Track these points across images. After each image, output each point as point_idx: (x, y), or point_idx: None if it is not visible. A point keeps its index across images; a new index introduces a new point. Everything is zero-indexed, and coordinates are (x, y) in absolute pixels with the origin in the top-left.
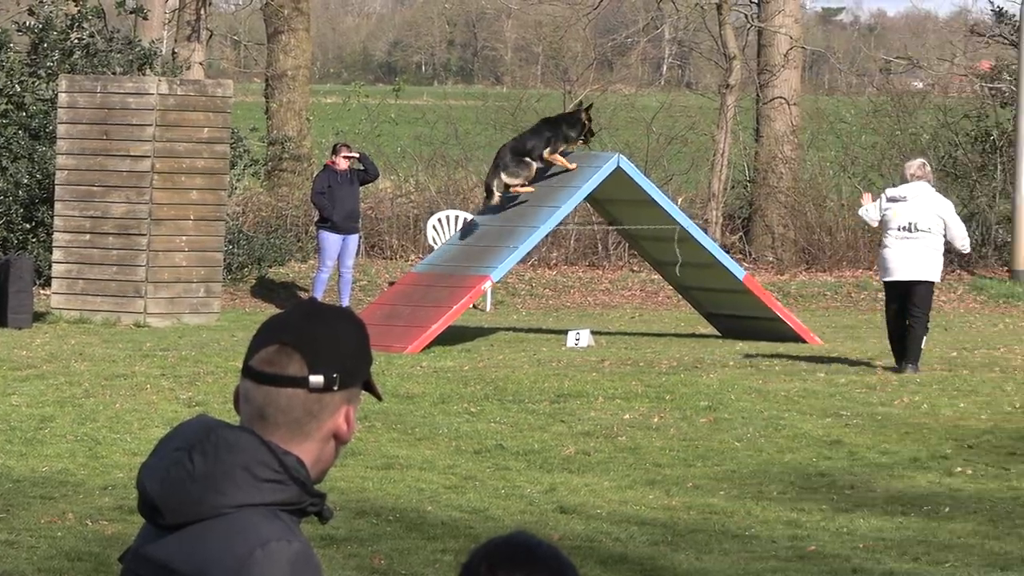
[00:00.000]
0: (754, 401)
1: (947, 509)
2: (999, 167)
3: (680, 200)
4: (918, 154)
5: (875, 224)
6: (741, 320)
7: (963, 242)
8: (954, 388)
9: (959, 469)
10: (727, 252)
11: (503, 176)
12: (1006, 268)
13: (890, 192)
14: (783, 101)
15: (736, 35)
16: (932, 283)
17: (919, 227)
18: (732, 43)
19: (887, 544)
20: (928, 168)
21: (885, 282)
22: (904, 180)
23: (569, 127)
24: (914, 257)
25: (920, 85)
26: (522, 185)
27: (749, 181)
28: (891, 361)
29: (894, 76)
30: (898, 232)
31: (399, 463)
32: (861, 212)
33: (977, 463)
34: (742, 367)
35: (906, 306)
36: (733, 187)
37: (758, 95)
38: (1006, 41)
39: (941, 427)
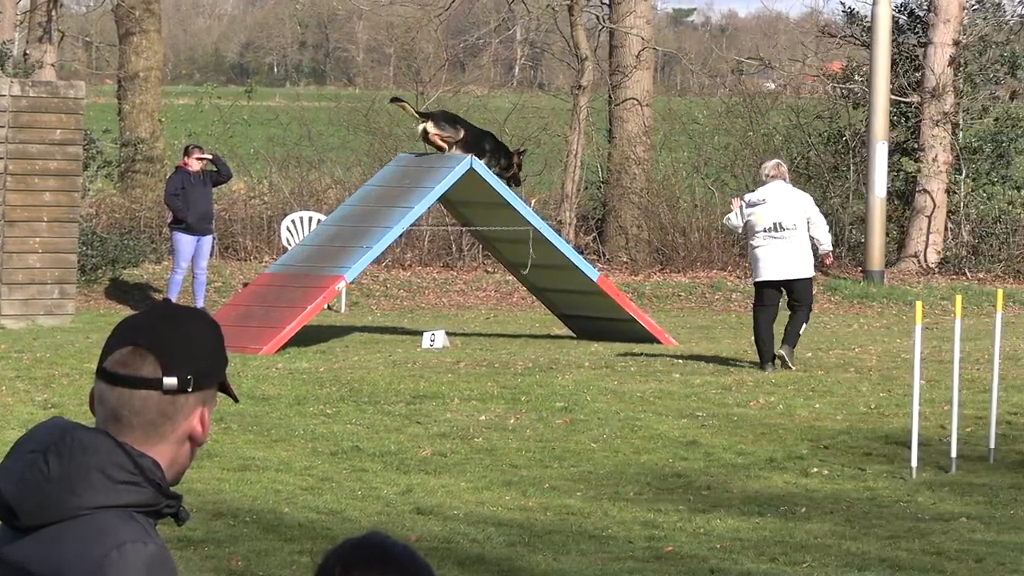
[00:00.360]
0: (610, 402)
1: (804, 509)
2: (852, 168)
3: (533, 201)
4: (771, 155)
5: (740, 231)
6: (596, 321)
7: (825, 239)
8: (809, 389)
9: (815, 469)
10: (581, 253)
11: (430, 124)
12: (860, 269)
13: (749, 197)
14: (635, 102)
15: (588, 36)
16: (809, 279)
17: (784, 226)
18: (584, 44)
19: (744, 544)
20: (783, 167)
21: (758, 282)
22: (760, 182)
23: (503, 153)
24: (786, 256)
25: (772, 86)
26: (442, 139)
27: (602, 182)
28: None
29: (746, 77)
30: (765, 234)
31: (255, 465)
32: (725, 221)
33: (833, 463)
34: (597, 368)
35: (789, 301)
36: (586, 188)
37: (610, 96)
38: (858, 42)
39: (797, 428)
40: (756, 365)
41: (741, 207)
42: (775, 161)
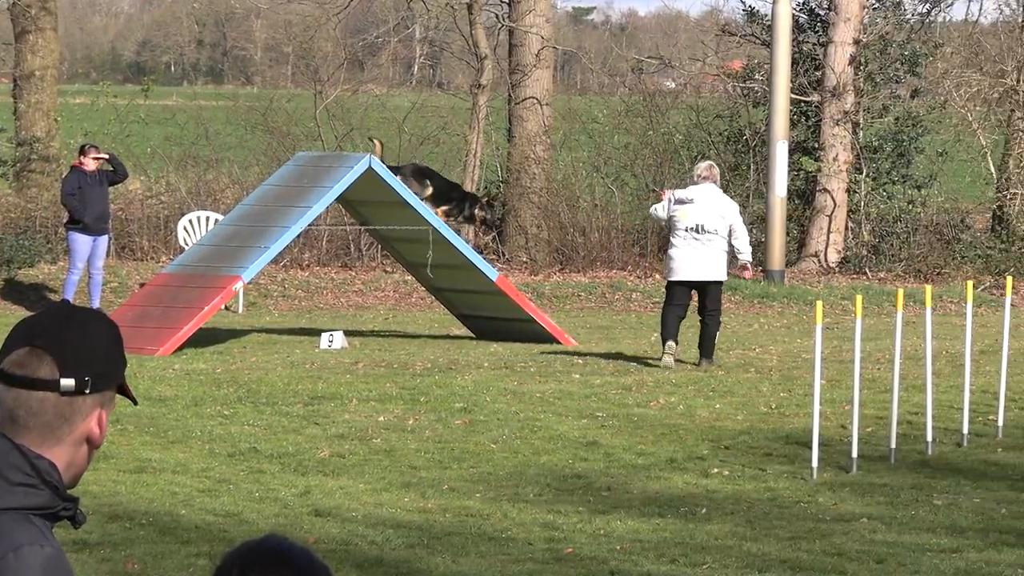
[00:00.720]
0: (509, 403)
1: (704, 510)
2: (752, 167)
3: None
4: (671, 154)
5: (663, 224)
6: (495, 321)
7: (746, 250)
8: (710, 389)
9: (716, 470)
10: (480, 253)
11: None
12: (760, 268)
13: (678, 194)
14: (535, 101)
15: (487, 35)
16: (721, 283)
17: (706, 228)
18: (483, 43)
19: (644, 546)
20: (716, 170)
21: (670, 281)
22: (692, 181)
23: (471, 201)
24: (702, 258)
25: (672, 85)
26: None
27: (502, 181)
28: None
29: (646, 76)
30: (685, 233)
31: (152, 466)
32: (651, 211)
33: (734, 464)
34: (497, 369)
35: (701, 305)
36: (486, 188)
37: (510, 95)
38: (758, 41)
39: (697, 428)
40: (656, 363)
41: (670, 199)
42: (708, 163)
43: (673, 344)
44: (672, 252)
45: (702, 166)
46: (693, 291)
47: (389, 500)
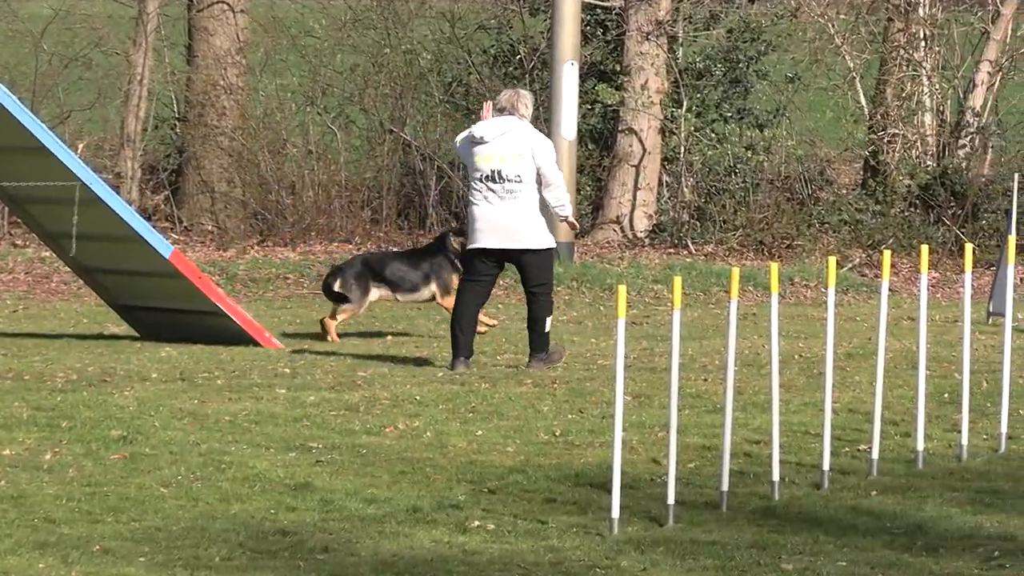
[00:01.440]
0: (187, 429)
1: None
2: None
3: (82, 147)
4: (414, 79)
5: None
6: (168, 315)
7: (560, 200)
8: (469, 408)
9: (477, 523)
10: (148, 219)
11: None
12: None
13: (474, 130)
14: (226, 8)
15: None
16: (540, 251)
17: (506, 176)
18: None
19: None
20: (523, 98)
21: (469, 249)
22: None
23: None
24: (506, 218)
25: None
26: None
27: (179, 119)
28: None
29: None
30: (481, 184)
31: None
32: (455, 141)
33: (502, 514)
34: (170, 381)
35: (522, 281)
36: (157, 128)
37: (191, 0)
38: None
39: (451, 464)
40: (406, 363)
41: (470, 135)
42: (512, 91)
43: (463, 365)
44: (472, 210)
45: (504, 95)
46: (508, 263)
47: (17, 566)
